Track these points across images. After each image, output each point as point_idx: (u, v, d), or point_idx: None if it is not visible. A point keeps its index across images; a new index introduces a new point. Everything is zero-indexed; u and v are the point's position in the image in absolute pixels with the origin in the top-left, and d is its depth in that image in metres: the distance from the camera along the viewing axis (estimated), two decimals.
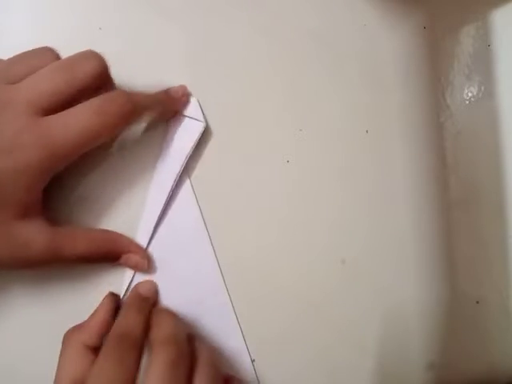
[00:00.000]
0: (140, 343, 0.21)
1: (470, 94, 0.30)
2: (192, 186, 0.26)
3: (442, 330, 0.28)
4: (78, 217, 0.25)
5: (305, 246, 0.27)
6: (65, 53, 0.22)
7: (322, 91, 0.28)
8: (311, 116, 0.28)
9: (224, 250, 0.26)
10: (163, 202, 0.25)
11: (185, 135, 0.26)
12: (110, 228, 0.25)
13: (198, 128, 0.26)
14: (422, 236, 0.28)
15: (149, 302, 0.24)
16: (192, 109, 0.26)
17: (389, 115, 0.29)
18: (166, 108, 0.25)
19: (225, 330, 0.26)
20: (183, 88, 0.26)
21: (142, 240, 0.25)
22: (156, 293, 0.25)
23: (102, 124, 0.21)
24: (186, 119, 0.26)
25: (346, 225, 0.28)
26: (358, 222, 0.28)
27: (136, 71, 0.26)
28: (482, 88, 0.30)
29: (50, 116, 0.20)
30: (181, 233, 0.26)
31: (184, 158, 0.25)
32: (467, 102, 0.30)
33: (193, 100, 0.26)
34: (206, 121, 0.26)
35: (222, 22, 0.28)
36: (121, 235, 0.25)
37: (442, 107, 0.30)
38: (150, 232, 0.25)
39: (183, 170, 0.25)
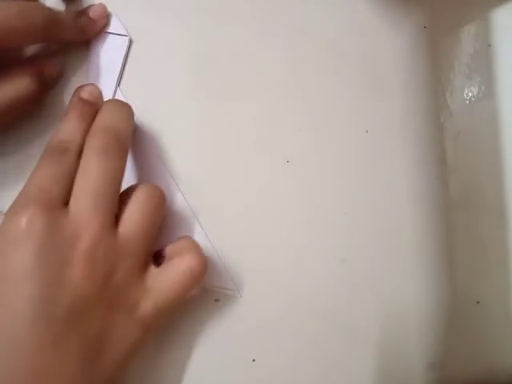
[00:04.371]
0: (79, 149, 0.20)
1: (470, 94, 0.30)
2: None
3: (441, 330, 0.28)
4: None
5: (305, 245, 0.27)
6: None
7: (322, 91, 0.28)
8: (311, 116, 0.28)
9: (223, 249, 0.26)
10: None
11: (112, 52, 0.25)
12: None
13: (124, 43, 0.26)
14: (422, 236, 0.28)
15: (92, 107, 0.22)
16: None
17: (389, 115, 0.29)
18: (87, 28, 0.24)
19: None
20: (102, 7, 0.25)
21: None
22: (100, 97, 0.24)
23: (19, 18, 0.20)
24: (110, 36, 0.26)
25: (346, 225, 0.28)
26: (357, 222, 0.28)
27: (136, 71, 0.26)
28: (482, 88, 0.30)
29: None
30: None
31: (116, 74, 0.25)
32: (467, 102, 0.30)
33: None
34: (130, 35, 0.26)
35: (223, 22, 0.28)
36: None
37: (442, 107, 0.30)
38: None
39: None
